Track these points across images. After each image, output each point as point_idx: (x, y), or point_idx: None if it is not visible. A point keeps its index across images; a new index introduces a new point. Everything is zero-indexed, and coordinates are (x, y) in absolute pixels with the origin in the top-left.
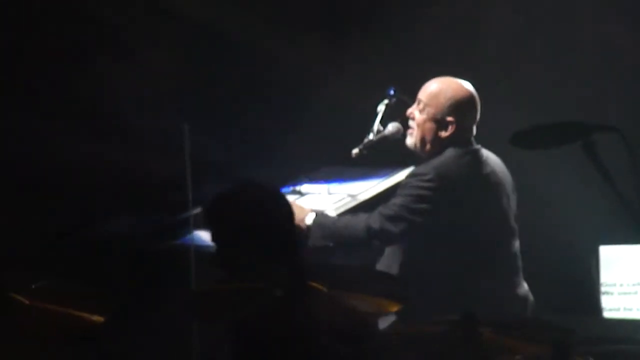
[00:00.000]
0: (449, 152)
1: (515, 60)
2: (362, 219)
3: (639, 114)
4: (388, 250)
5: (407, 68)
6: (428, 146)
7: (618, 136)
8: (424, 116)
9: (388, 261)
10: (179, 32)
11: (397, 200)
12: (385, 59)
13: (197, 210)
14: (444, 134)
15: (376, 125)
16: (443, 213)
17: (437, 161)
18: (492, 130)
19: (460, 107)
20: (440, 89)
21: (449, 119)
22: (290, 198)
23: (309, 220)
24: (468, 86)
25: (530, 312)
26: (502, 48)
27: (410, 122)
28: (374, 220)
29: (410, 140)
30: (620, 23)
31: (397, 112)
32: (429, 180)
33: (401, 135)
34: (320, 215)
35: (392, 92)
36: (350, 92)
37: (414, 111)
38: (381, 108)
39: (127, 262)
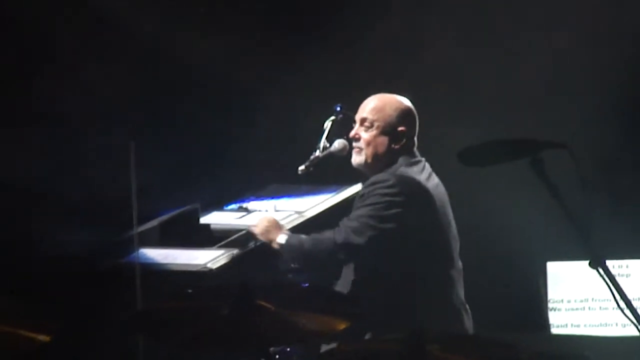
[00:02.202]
0: (402, 161)
1: (461, 78)
2: (328, 235)
3: (588, 131)
4: (345, 270)
5: (352, 85)
6: (381, 161)
7: (566, 153)
8: (373, 132)
9: (344, 280)
10: (127, 49)
11: (361, 212)
12: (332, 76)
13: (142, 228)
14: (395, 145)
15: (322, 141)
16: (409, 218)
17: (393, 168)
18: (439, 146)
19: (408, 117)
20: (383, 102)
21: (401, 129)
22: (237, 215)
23: (281, 240)
24: (405, 99)
25: (470, 324)
26: (447, 66)
27: (356, 143)
28: (338, 233)
29: (359, 159)
30: (571, 40)
31: (344, 129)
32: (391, 186)
33: (347, 151)
34: (290, 237)
35: (338, 109)
36: (297, 109)
37: (358, 132)
38: (327, 125)
39: (73, 280)
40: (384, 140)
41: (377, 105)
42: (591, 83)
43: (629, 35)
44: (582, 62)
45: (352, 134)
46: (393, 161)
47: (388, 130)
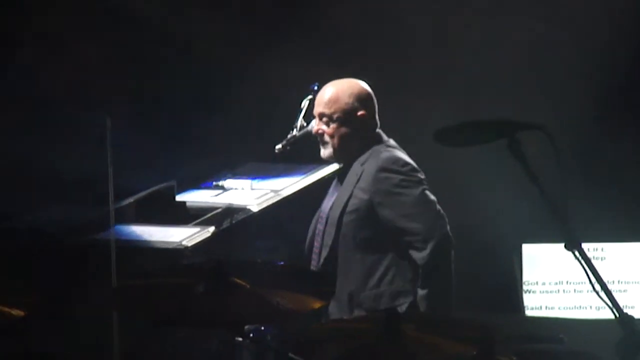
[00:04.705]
0: (379, 143)
1: (440, 58)
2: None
3: (565, 112)
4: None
5: (330, 64)
6: (351, 149)
7: (543, 134)
8: (334, 125)
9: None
10: (106, 23)
11: (403, 198)
12: (309, 54)
13: (118, 204)
14: (361, 131)
15: (299, 121)
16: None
17: (386, 154)
18: (414, 125)
19: (364, 99)
20: (337, 92)
21: (360, 113)
22: (213, 193)
23: None
24: (357, 81)
25: None
26: (426, 46)
27: (320, 138)
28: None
29: (327, 151)
30: (548, 22)
31: None
32: (405, 165)
33: None
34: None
35: (315, 88)
36: (274, 87)
37: (320, 127)
38: (305, 104)
39: (48, 256)
40: (346, 130)
41: (331, 97)
42: (568, 66)
43: (607, 19)
44: (560, 46)
45: (314, 130)
46: (364, 145)
47: (348, 119)
